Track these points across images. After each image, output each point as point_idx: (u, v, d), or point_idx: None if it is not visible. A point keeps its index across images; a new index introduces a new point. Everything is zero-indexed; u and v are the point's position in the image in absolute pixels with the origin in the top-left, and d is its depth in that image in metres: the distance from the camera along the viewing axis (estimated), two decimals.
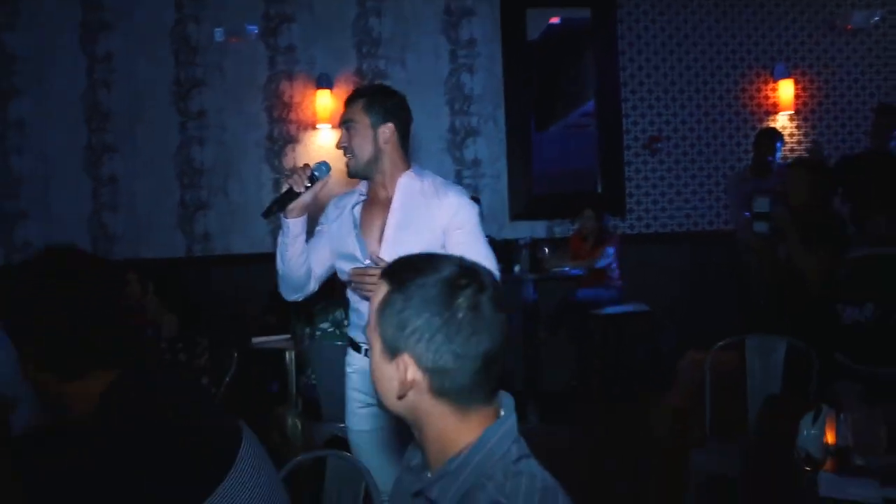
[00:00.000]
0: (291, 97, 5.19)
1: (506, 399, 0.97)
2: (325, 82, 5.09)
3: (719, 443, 2.84)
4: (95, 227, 5.08)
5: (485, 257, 2.00)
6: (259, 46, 5.16)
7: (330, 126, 5.13)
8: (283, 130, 5.19)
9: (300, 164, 5.06)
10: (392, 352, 0.92)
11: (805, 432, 1.69)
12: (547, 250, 5.05)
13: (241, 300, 4.79)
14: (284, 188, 2.02)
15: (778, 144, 4.52)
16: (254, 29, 5.10)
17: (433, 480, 0.91)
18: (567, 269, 4.95)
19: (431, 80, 5.30)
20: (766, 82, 5.65)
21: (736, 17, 5.63)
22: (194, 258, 5.08)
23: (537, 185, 5.57)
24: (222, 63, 5.14)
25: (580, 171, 6.06)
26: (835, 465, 1.66)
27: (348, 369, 2.14)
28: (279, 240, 2.06)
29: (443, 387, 0.90)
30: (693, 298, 5.26)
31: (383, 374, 0.94)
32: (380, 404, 0.97)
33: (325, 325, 3.59)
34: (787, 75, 5.60)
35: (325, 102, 5.09)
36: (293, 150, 5.20)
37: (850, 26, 5.71)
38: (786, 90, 5.60)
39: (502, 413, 0.95)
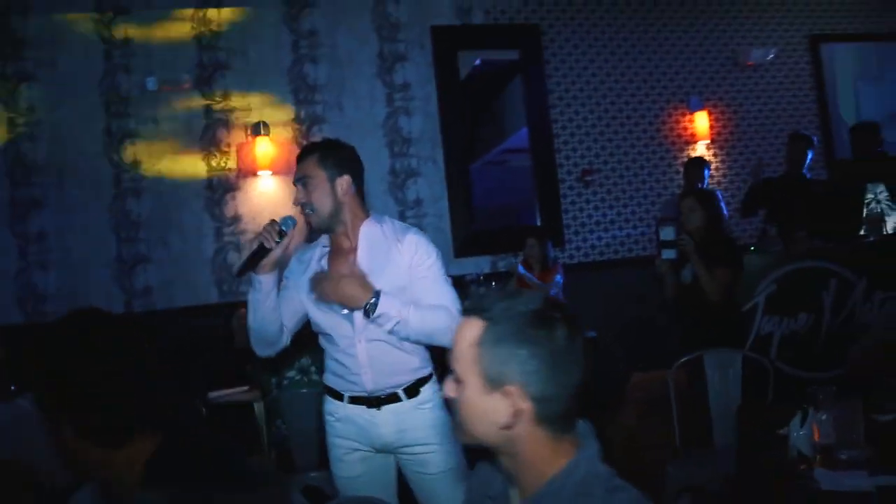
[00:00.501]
0: (229, 145, 5.12)
1: (583, 425, 1.02)
2: (263, 130, 5.07)
3: (691, 455, 2.98)
4: (23, 287, 4.80)
5: (447, 294, 2.07)
6: (194, 94, 5.09)
7: (270, 172, 5.10)
8: (222, 179, 5.11)
9: (241, 211, 5.07)
10: (496, 384, 0.96)
11: (795, 433, 1.83)
12: (494, 284, 5.16)
13: (192, 352, 4.62)
14: (254, 246, 2.02)
15: (706, 171, 4.84)
16: (187, 77, 5.04)
17: (532, 502, 0.95)
18: None
19: (370, 124, 5.38)
20: (683, 115, 6.06)
21: (651, 55, 6.03)
22: (133, 313, 4.87)
23: (479, 220, 5.71)
24: (156, 113, 5.03)
25: (518, 205, 6.26)
26: (822, 461, 1.80)
27: (329, 418, 2.11)
28: (251, 297, 2.05)
29: (545, 414, 0.95)
30: (635, 322, 5.46)
31: (484, 407, 0.97)
32: (464, 435, 1.00)
33: (291, 374, 3.53)
34: (701, 107, 6.03)
35: (265, 149, 5.06)
36: (234, 199, 5.11)
37: (750, 62, 6.23)
38: (701, 121, 6.02)
39: (581, 437, 1.01)
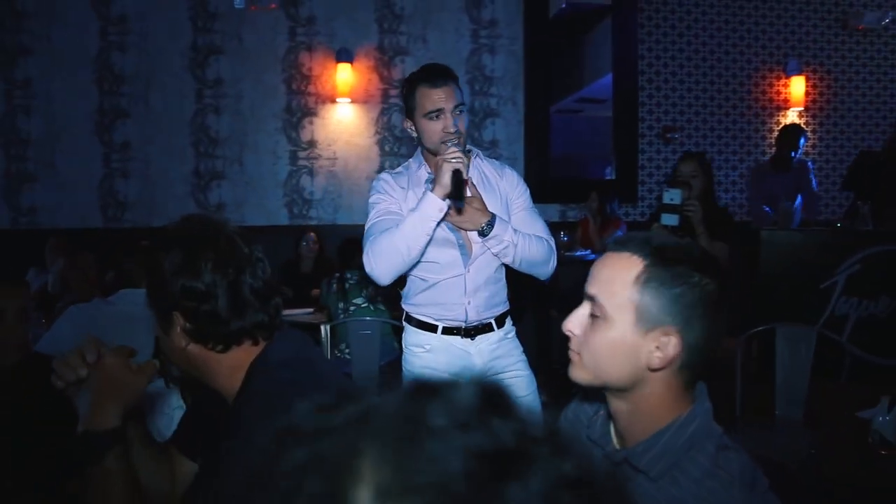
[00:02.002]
0: (311, 69, 5.12)
1: (700, 383, 1.00)
2: (345, 56, 5.04)
3: (752, 425, 2.93)
4: (106, 194, 5.00)
5: (543, 227, 2.14)
6: (279, 16, 5.08)
7: (350, 100, 5.09)
8: (301, 103, 5.13)
9: (318, 137, 5.10)
10: (652, 324, 0.94)
11: (880, 418, 1.77)
12: (563, 234, 5.10)
13: None
14: (443, 173, 1.84)
15: (801, 141, 4.60)
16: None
17: (642, 450, 0.94)
18: (579, 253, 5.01)
19: (453, 59, 5.26)
20: (778, 78, 5.74)
21: (752, 12, 5.69)
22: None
23: (553, 168, 5.61)
24: (241, 32, 5.05)
25: (594, 156, 6.12)
26: None
27: (417, 349, 2.11)
28: (424, 226, 1.87)
29: (690, 362, 0.94)
30: None
31: (634, 346, 0.95)
32: (584, 373, 0.99)
33: (359, 301, 3.60)
34: (799, 72, 5.70)
35: (346, 76, 5.04)
36: (311, 124, 5.15)
37: (861, 26, 5.81)
38: (797, 87, 5.70)
39: (698, 394, 0.99)
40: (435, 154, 1.97)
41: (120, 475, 1.14)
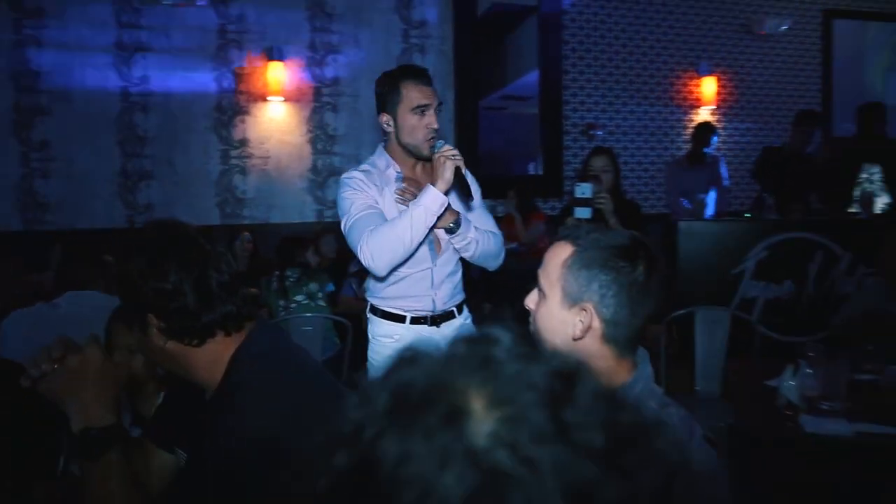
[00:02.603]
0: (242, 67, 5.09)
1: (642, 351, 1.16)
2: (276, 54, 5.04)
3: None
4: (25, 195, 4.82)
5: (493, 225, 2.28)
6: (209, 13, 5.03)
7: (282, 98, 5.10)
8: (232, 101, 5.10)
9: (250, 135, 5.08)
10: (575, 300, 1.09)
11: (786, 383, 1.99)
12: None
13: None
14: (445, 169, 1.91)
15: (713, 138, 4.93)
16: None
17: None
18: (506, 247, 5.18)
19: (384, 59, 5.36)
20: (691, 78, 6.11)
21: (667, 16, 6.04)
22: (136, 230, 4.93)
23: (482, 165, 5.77)
24: (168, 28, 4.97)
25: (520, 153, 6.32)
26: (808, 409, 1.97)
27: (386, 340, 2.17)
28: (427, 219, 1.94)
29: (613, 335, 1.08)
30: None
31: (562, 319, 1.10)
32: (547, 344, 1.12)
33: (299, 298, 3.65)
34: (710, 73, 6.09)
35: (277, 74, 5.04)
36: (243, 122, 5.12)
37: (763, 32, 6.26)
38: (709, 86, 6.09)
39: (639, 361, 1.14)
40: (411, 150, 2.04)
41: (121, 470, 1.19)
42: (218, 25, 5.04)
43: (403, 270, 2.12)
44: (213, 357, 1.25)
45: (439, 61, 5.51)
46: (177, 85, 4.99)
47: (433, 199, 1.92)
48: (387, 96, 2.05)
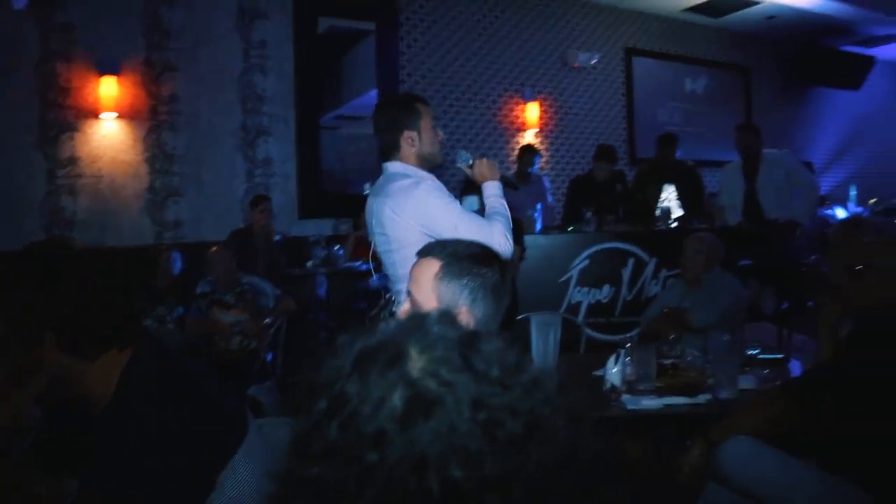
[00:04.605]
0: (69, 81, 4.81)
1: None
2: (109, 68, 4.83)
3: None
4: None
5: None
6: (28, 20, 4.70)
7: (116, 115, 4.89)
8: (58, 117, 4.80)
9: (79, 154, 4.81)
10: (450, 307, 1.28)
11: (610, 371, 2.37)
12: (337, 247, 5.42)
13: None
14: (496, 167, 2.34)
15: (536, 158, 5.46)
16: (22, 2, 4.62)
17: None
18: (359, 264, 5.37)
19: (224, 78, 5.33)
20: (517, 103, 6.69)
21: (496, 45, 6.58)
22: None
23: (325, 184, 5.90)
24: None
25: (361, 171, 6.51)
26: (628, 390, 2.36)
27: None
28: (504, 203, 2.28)
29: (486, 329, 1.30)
30: None
31: None
32: None
33: (148, 323, 3.56)
34: (533, 98, 6.70)
35: (111, 90, 4.83)
36: (71, 139, 4.83)
37: (577, 64, 7.01)
38: (532, 111, 6.70)
39: None
40: (429, 160, 2.26)
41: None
42: (39, 34, 4.72)
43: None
44: (108, 369, 1.29)
45: (280, 81, 5.57)
46: None
47: (495, 187, 2.29)
48: (407, 117, 2.23)
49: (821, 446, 1.77)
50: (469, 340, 0.63)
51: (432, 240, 2.05)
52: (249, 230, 4.93)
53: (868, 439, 1.60)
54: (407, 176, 2.17)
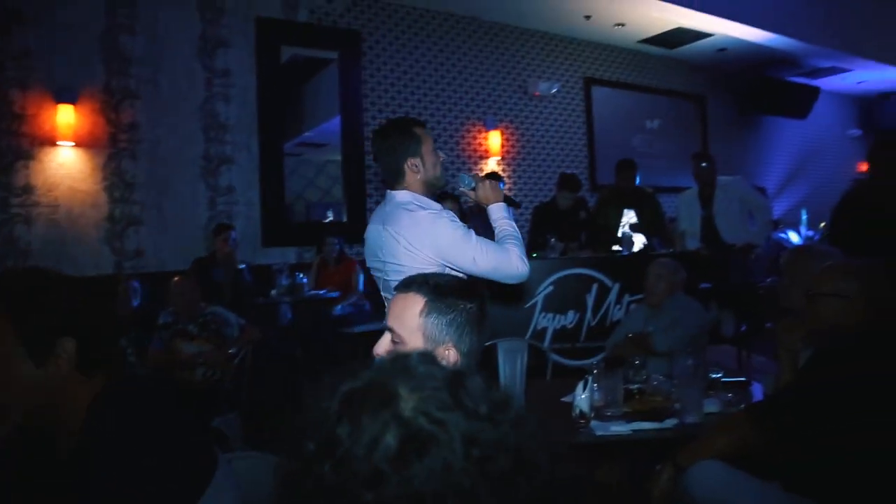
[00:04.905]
0: (24, 108, 4.72)
1: None
2: (67, 97, 4.75)
3: None
4: None
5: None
6: None
7: (73, 143, 4.80)
8: (11, 144, 4.68)
9: (35, 182, 4.70)
10: (436, 343, 1.28)
11: (578, 397, 2.39)
12: (301, 275, 5.38)
13: None
14: (498, 188, 2.40)
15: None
16: None
17: None
18: (324, 292, 5.33)
19: (186, 106, 5.28)
20: (480, 131, 6.77)
21: (458, 73, 6.67)
22: None
23: (289, 212, 5.87)
24: None
25: (323, 200, 6.50)
26: (596, 416, 2.39)
27: None
28: (512, 223, 2.35)
29: (468, 365, 1.30)
30: None
31: None
32: None
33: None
34: (495, 126, 6.80)
35: (68, 118, 4.74)
36: (26, 168, 4.72)
37: (537, 93, 7.15)
38: (495, 139, 6.79)
39: None
40: (433, 183, 2.26)
41: None
42: None
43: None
44: (85, 396, 1.26)
45: (243, 109, 5.55)
46: None
47: (500, 209, 2.34)
48: (408, 143, 2.22)
49: (784, 468, 1.82)
50: (456, 378, 0.64)
51: (448, 270, 2.15)
52: (213, 258, 4.87)
53: (829, 459, 1.65)
54: (421, 207, 2.17)
